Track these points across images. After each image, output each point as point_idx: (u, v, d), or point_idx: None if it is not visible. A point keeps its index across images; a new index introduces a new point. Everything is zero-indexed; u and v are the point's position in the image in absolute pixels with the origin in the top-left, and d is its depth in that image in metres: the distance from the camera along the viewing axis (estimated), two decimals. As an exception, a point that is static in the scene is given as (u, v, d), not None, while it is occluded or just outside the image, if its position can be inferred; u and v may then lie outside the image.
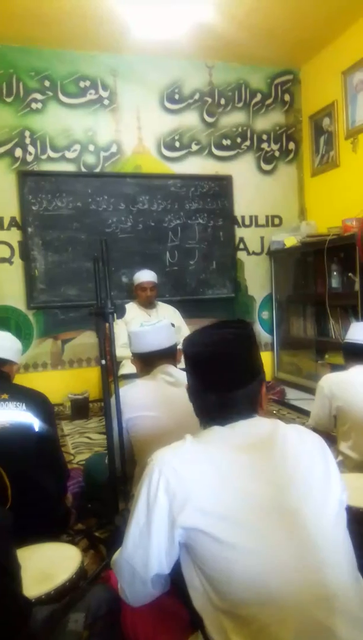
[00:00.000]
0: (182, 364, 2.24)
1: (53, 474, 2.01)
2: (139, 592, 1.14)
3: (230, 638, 0.99)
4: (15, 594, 1.14)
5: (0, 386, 2.03)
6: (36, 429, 1.93)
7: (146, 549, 1.07)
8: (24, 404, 1.94)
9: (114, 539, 1.83)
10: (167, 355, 2.08)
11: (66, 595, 1.35)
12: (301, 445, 1.17)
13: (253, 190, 5.14)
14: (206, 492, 1.04)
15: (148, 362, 2.08)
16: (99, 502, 2.21)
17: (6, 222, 4.48)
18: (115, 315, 1.97)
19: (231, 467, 1.08)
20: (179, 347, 2.28)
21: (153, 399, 1.96)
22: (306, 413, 3.91)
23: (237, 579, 1.00)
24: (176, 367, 2.08)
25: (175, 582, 1.16)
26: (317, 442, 1.19)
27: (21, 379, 2.11)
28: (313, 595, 0.97)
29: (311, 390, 4.28)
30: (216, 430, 1.15)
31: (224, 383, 1.16)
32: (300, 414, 4.14)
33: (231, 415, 1.15)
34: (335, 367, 3.72)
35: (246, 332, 1.22)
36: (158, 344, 2.06)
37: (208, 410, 1.18)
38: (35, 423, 1.93)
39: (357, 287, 3.99)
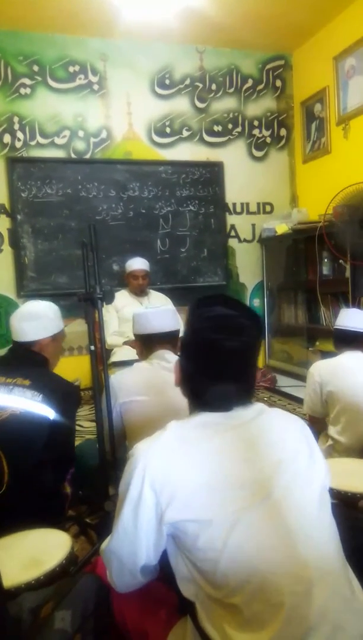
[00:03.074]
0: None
1: (56, 467, 1.98)
2: (127, 580, 1.14)
3: (222, 626, 0.99)
4: None
5: (27, 371, 1.95)
6: (50, 419, 1.87)
7: (133, 542, 1.06)
8: (41, 395, 1.87)
9: (105, 524, 1.83)
10: (168, 339, 2.05)
11: (56, 581, 1.35)
12: (286, 428, 1.16)
13: (244, 177, 5.12)
14: (193, 483, 1.03)
15: (149, 344, 2.06)
16: (89, 488, 2.22)
17: (-5, 210, 4.45)
18: (103, 300, 1.95)
19: (216, 452, 1.07)
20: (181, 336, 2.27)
21: (147, 384, 1.96)
22: (297, 400, 3.94)
23: (224, 568, 0.99)
24: (175, 354, 2.06)
25: (164, 567, 1.16)
26: (300, 426, 1.19)
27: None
28: (302, 579, 0.97)
29: (302, 378, 4.30)
30: (204, 416, 1.12)
31: (237, 375, 1.12)
32: (291, 401, 4.16)
33: (231, 405, 1.12)
34: (325, 354, 3.74)
35: (260, 320, 1.16)
36: (160, 326, 2.05)
37: (208, 400, 1.12)
38: (50, 414, 1.87)
39: (347, 273, 4.00)
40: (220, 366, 1.11)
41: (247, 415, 1.13)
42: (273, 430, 1.14)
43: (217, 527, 1.00)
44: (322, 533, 1.05)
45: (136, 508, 1.04)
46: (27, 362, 2.02)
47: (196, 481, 1.03)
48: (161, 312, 2.11)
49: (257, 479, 1.05)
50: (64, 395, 1.96)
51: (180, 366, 1.20)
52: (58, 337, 2.14)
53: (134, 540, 1.05)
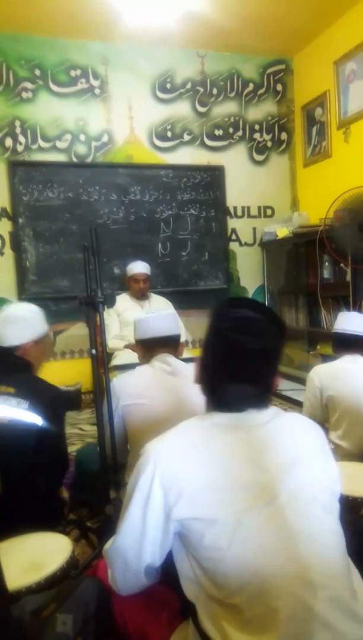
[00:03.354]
0: (183, 356, 2.25)
1: (49, 471, 1.98)
2: (130, 582, 1.14)
3: (223, 626, 0.99)
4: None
5: (10, 377, 1.93)
6: (38, 427, 1.86)
7: (140, 541, 1.06)
8: (27, 402, 1.86)
9: (106, 528, 1.83)
10: (169, 343, 2.08)
11: (57, 585, 1.35)
12: (299, 433, 1.17)
13: (245, 181, 5.13)
14: (198, 482, 1.04)
15: (150, 348, 2.08)
16: (90, 491, 2.22)
17: (-3, 213, 4.46)
18: (105, 304, 1.96)
19: (221, 453, 1.08)
20: (183, 341, 2.28)
21: (150, 387, 1.97)
22: (298, 403, 3.93)
23: (228, 568, 1.00)
24: (177, 357, 2.08)
25: (166, 570, 1.17)
26: (316, 431, 1.20)
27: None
28: (303, 583, 0.98)
29: (303, 381, 4.28)
30: (217, 417, 1.13)
31: (253, 377, 1.13)
32: (292, 405, 4.16)
33: (244, 406, 1.12)
34: (326, 358, 3.74)
35: (284, 326, 1.17)
36: (161, 330, 2.07)
37: (222, 399, 1.14)
38: (38, 421, 1.86)
39: (348, 277, 4.01)
40: (237, 366, 1.12)
41: (260, 419, 1.13)
42: (284, 435, 1.14)
43: (221, 527, 1.01)
44: (327, 539, 1.05)
45: (145, 505, 1.05)
46: (10, 368, 1.98)
47: (201, 480, 1.04)
48: (162, 317, 2.14)
49: (259, 482, 1.05)
50: (51, 400, 1.94)
51: (200, 363, 1.21)
52: (41, 341, 2.10)
53: (141, 537, 1.06)
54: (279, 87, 5.20)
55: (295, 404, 4.03)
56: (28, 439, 1.84)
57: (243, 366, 1.12)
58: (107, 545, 1.15)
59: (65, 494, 2.20)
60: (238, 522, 1.01)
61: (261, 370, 1.14)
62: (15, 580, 1.33)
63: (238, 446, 1.09)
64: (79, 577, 1.45)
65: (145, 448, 1.10)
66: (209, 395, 1.18)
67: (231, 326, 1.12)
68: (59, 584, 1.35)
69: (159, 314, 2.17)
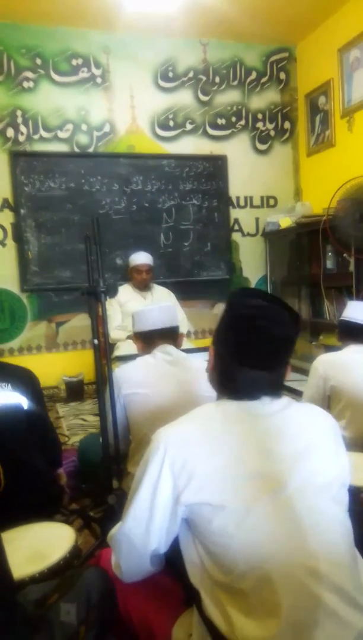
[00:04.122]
0: (183, 346, 2.25)
1: (44, 452, 2.00)
2: (135, 567, 1.15)
3: (228, 612, 1.00)
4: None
5: None
6: (25, 407, 1.90)
7: (148, 525, 1.07)
8: (9, 384, 1.89)
9: (108, 517, 1.84)
10: (168, 335, 2.09)
11: (60, 574, 1.35)
12: (311, 424, 1.17)
13: (248, 170, 5.10)
14: (209, 468, 1.04)
15: (149, 340, 2.09)
16: (93, 481, 2.22)
17: (-2, 204, 4.44)
18: (107, 294, 1.95)
19: (234, 440, 1.08)
20: (184, 332, 2.29)
21: (151, 376, 1.99)
22: (300, 394, 3.93)
23: (235, 553, 1.00)
24: (177, 348, 2.10)
25: (169, 559, 1.17)
26: (329, 423, 1.20)
27: (15, 362, 2.07)
28: (308, 572, 0.98)
29: (305, 372, 4.27)
30: (230, 404, 1.13)
31: (270, 364, 1.13)
32: (294, 395, 4.15)
33: (259, 393, 1.13)
34: (329, 348, 3.73)
35: (299, 317, 1.18)
36: (160, 322, 2.08)
37: (238, 385, 1.14)
38: (24, 402, 1.90)
39: (351, 267, 3.99)
40: (256, 352, 1.12)
41: (272, 408, 1.13)
42: (295, 424, 1.14)
43: (230, 513, 1.01)
44: (334, 530, 1.05)
45: (154, 490, 1.06)
46: None
47: (210, 467, 1.04)
48: (159, 309, 2.15)
49: (268, 472, 1.05)
50: (28, 380, 1.98)
51: (214, 351, 1.20)
52: None
53: (149, 521, 1.07)
54: (282, 76, 5.16)
55: (298, 395, 4.02)
56: (20, 421, 1.87)
57: (262, 352, 1.12)
58: (113, 531, 1.16)
59: (63, 479, 2.22)
60: (246, 509, 1.01)
61: (278, 357, 1.14)
62: (19, 570, 1.33)
63: (248, 435, 1.09)
64: (83, 566, 1.46)
65: (156, 434, 1.11)
66: (224, 383, 1.18)
67: (252, 313, 1.12)
68: (62, 573, 1.36)
69: (157, 306, 2.18)
